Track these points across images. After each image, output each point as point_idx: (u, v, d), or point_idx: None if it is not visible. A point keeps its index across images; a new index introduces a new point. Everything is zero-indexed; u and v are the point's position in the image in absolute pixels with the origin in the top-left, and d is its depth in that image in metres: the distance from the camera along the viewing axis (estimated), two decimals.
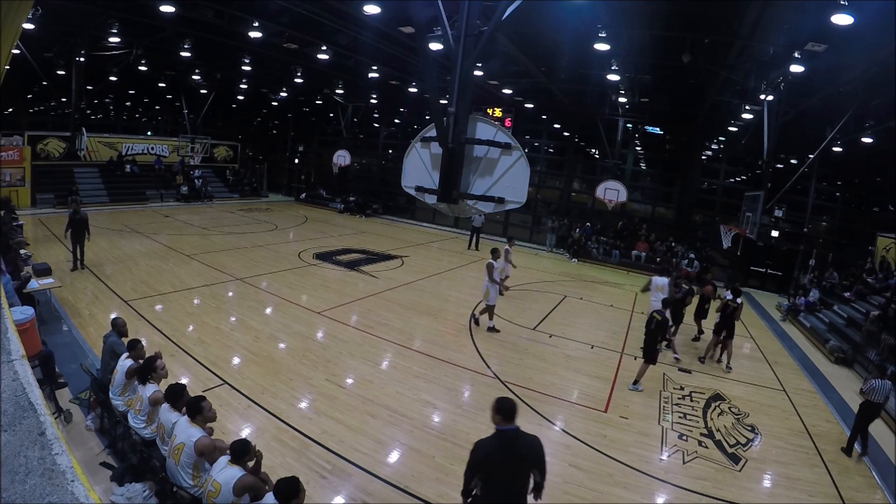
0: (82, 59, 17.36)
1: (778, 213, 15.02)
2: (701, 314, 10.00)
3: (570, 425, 6.22)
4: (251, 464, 3.61)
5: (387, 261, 14.65)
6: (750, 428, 6.64)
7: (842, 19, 7.10)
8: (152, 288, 9.74)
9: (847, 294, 13.16)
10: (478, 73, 14.09)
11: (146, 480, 4.14)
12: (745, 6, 8.36)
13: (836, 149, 15.16)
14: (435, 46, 9.62)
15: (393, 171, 22.85)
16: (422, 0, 5.85)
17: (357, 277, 12.45)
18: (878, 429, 7.00)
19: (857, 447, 6.28)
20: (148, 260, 11.85)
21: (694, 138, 19.08)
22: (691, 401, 7.29)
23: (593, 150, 21.14)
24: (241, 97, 26.12)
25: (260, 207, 23.56)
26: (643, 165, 20.80)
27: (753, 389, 8.06)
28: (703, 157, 19.59)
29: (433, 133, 5.47)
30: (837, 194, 17.30)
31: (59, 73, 18.23)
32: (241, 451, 3.49)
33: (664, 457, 5.73)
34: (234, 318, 8.68)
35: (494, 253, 9.45)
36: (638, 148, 20.50)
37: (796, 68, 9.39)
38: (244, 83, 22.86)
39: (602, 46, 10.19)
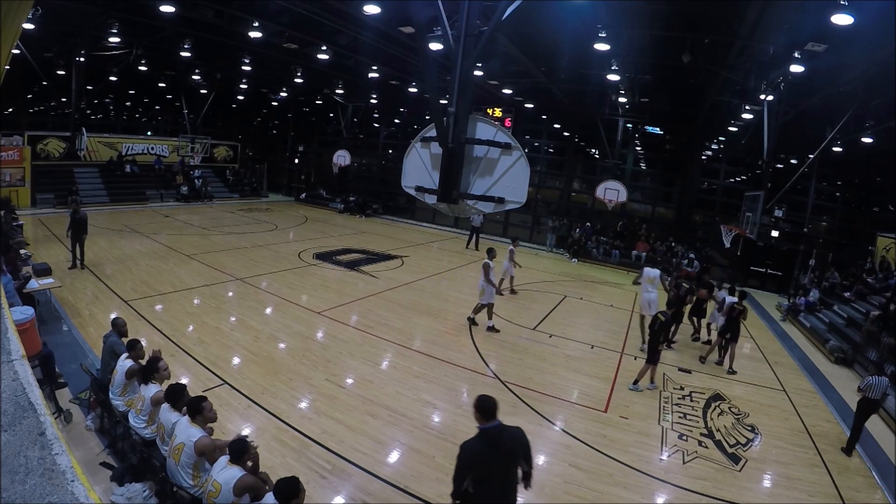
0: (82, 59, 17.35)
1: (778, 213, 15.03)
2: (699, 313, 10.02)
3: (570, 425, 6.22)
4: (250, 463, 3.61)
5: (387, 261, 14.65)
6: (750, 428, 6.64)
7: (842, 19, 7.09)
8: (152, 288, 9.74)
9: (847, 294, 13.17)
10: (478, 73, 14.09)
11: (146, 480, 4.14)
12: (745, 6, 8.36)
13: (836, 149, 15.17)
14: (435, 46, 9.63)
15: (393, 171, 22.84)
16: (422, 0, 5.85)
17: (357, 277, 12.45)
18: (878, 429, 7.01)
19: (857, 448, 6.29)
20: (148, 260, 11.85)
21: (694, 138, 19.08)
22: (691, 401, 7.29)
23: (593, 150, 21.14)
24: (241, 97, 26.11)
25: (260, 207, 23.56)
26: (643, 165, 20.80)
27: (753, 389, 8.06)
28: (703, 157, 19.59)
29: (433, 133, 5.47)
30: (837, 194, 17.30)
31: (59, 73, 18.22)
32: (240, 451, 3.49)
33: (664, 457, 5.73)
34: (234, 318, 8.68)
35: (491, 252, 9.46)
36: (638, 148, 20.49)
37: (796, 68, 9.39)
38: (244, 83, 22.86)
39: (602, 46, 10.18)
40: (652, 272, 9.47)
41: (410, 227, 22.46)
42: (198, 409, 3.87)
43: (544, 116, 21.36)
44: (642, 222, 20.19)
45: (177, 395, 4.16)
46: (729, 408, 7.19)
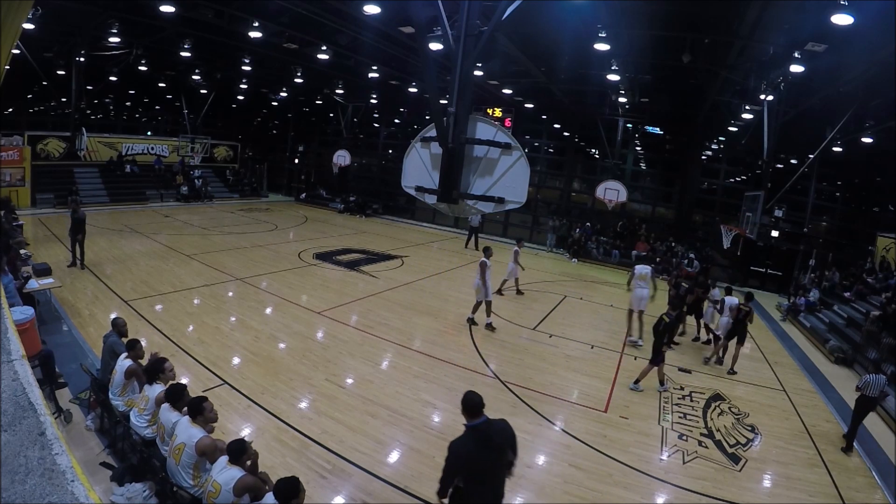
0: (82, 59, 17.35)
1: (778, 213, 15.02)
2: (697, 313, 10.03)
3: (570, 425, 6.22)
4: (248, 463, 3.61)
5: (387, 261, 14.65)
6: (750, 428, 6.64)
7: (842, 19, 7.09)
8: (152, 288, 9.74)
9: (847, 294, 13.17)
10: (478, 73, 14.09)
11: (146, 480, 4.14)
12: (745, 6, 8.36)
13: (836, 149, 15.16)
14: (435, 46, 9.62)
15: (393, 171, 22.84)
16: (422, 0, 5.85)
17: (357, 277, 12.45)
18: (878, 429, 7.02)
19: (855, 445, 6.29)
20: (148, 260, 11.85)
21: (694, 138, 19.08)
22: (691, 401, 7.29)
23: (593, 150, 21.14)
24: (241, 97, 26.12)
25: (260, 207, 23.56)
26: (643, 165, 20.80)
27: (753, 389, 8.06)
28: (703, 157, 19.58)
29: (433, 133, 5.47)
30: (837, 194, 17.29)
31: (59, 73, 18.22)
32: (239, 452, 3.49)
33: (664, 457, 5.73)
34: (234, 318, 8.68)
35: (487, 251, 9.48)
36: (638, 148, 20.49)
37: (796, 68, 9.39)
38: (244, 83, 22.86)
39: (602, 46, 10.19)
40: (643, 269, 9.64)
41: (410, 227, 22.46)
42: (199, 410, 3.87)
43: (544, 116, 21.36)
44: (642, 222, 20.19)
45: (177, 395, 4.16)
46: (729, 408, 7.19)
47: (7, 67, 4.75)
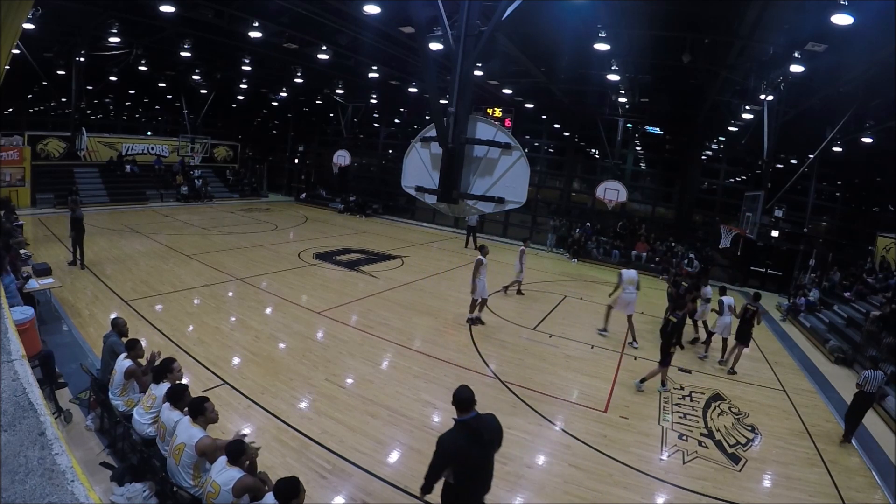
0: (82, 59, 17.35)
1: (778, 213, 15.02)
2: (693, 312, 10.02)
3: (570, 425, 6.21)
4: (247, 463, 3.61)
5: (387, 261, 14.65)
6: (750, 428, 6.64)
7: (842, 19, 7.10)
8: (152, 288, 9.74)
9: (847, 294, 13.17)
10: (478, 73, 14.09)
11: (146, 480, 4.14)
12: (745, 6, 8.37)
13: (836, 149, 15.17)
14: (435, 46, 9.63)
15: (393, 171, 22.83)
16: (422, 0, 5.85)
17: (357, 277, 12.45)
18: (878, 429, 7.02)
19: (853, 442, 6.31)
20: (148, 260, 11.85)
21: (694, 138, 19.08)
22: (691, 401, 7.29)
23: (593, 150, 21.13)
24: (241, 97, 26.11)
25: (260, 207, 23.56)
26: (643, 165, 20.79)
27: (753, 389, 8.06)
28: (703, 157, 19.58)
29: (433, 133, 5.48)
30: (837, 194, 17.30)
31: (59, 73, 18.21)
32: (237, 452, 3.49)
33: (664, 457, 5.73)
34: (234, 318, 8.68)
35: (483, 249, 9.50)
36: (638, 148, 20.48)
37: (796, 68, 9.39)
38: (244, 83, 22.86)
39: (602, 46, 10.19)
40: (630, 273, 9.58)
41: (410, 227, 22.46)
42: (200, 410, 3.88)
43: (544, 116, 21.36)
44: (642, 222, 20.19)
45: (178, 395, 4.16)
46: (729, 408, 7.19)
47: (7, 67, 4.75)
